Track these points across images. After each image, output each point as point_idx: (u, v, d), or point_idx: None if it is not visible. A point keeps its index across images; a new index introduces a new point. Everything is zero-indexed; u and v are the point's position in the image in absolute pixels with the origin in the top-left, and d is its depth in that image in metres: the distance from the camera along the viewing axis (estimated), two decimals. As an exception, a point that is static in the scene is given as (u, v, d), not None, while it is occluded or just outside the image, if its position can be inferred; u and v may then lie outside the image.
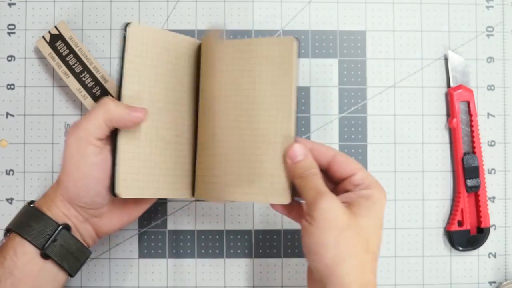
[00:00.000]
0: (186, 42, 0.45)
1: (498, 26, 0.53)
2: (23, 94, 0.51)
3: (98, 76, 0.49)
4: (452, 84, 0.52)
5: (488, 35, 0.53)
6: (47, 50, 0.49)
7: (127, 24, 0.41)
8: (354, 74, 0.53)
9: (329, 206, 0.37)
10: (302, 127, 0.52)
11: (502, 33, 0.53)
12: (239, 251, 0.51)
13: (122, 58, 0.41)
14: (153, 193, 0.42)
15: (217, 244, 0.51)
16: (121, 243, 0.51)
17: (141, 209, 0.45)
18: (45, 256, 0.39)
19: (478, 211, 0.51)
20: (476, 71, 0.53)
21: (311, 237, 0.37)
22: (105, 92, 0.49)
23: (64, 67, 0.49)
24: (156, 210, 0.51)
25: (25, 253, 0.39)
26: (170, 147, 0.44)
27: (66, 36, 0.49)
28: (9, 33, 0.52)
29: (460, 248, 0.51)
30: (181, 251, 0.51)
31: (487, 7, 0.53)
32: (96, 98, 0.49)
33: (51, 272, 0.40)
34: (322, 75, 0.52)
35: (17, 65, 0.51)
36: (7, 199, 0.51)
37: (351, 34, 0.53)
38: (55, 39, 0.49)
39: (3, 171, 0.51)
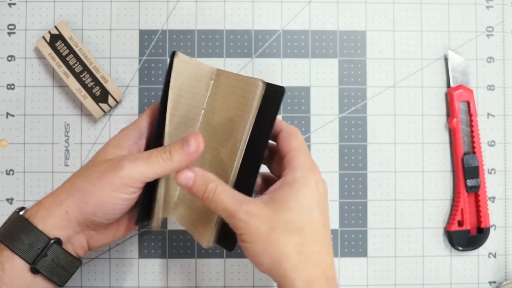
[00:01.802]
0: (206, 71, 0.43)
1: (498, 26, 0.53)
2: (23, 94, 0.51)
3: (98, 76, 0.49)
4: (452, 84, 0.52)
5: (488, 35, 0.53)
6: (47, 50, 0.49)
7: (173, 53, 0.39)
8: (354, 74, 0.53)
9: (247, 218, 0.35)
10: (302, 127, 0.52)
11: (502, 33, 0.53)
12: (239, 251, 0.51)
13: (166, 89, 0.39)
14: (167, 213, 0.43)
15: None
16: (121, 243, 0.51)
17: (135, 226, 0.44)
18: (34, 271, 0.37)
19: (478, 211, 0.51)
20: (476, 71, 0.53)
21: (247, 252, 0.36)
22: (105, 92, 0.49)
23: (64, 67, 0.49)
24: (156, 210, 0.51)
25: (14, 268, 0.37)
26: None
27: (66, 36, 0.49)
28: (9, 33, 0.52)
29: (460, 248, 0.51)
30: (181, 251, 0.51)
31: (487, 7, 0.53)
32: (96, 98, 0.49)
33: (40, 285, 0.38)
34: (322, 75, 0.52)
35: (17, 65, 0.51)
36: (7, 199, 0.51)
37: (351, 34, 0.53)
38: (55, 39, 0.49)
39: (3, 171, 0.51)
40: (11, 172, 0.51)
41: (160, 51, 0.52)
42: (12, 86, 0.51)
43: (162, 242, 0.51)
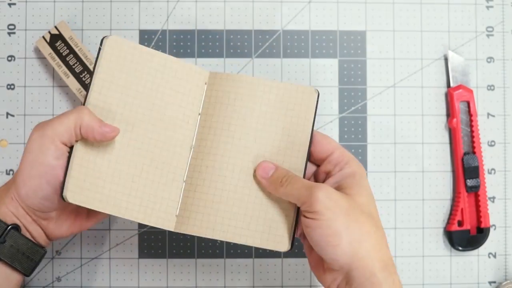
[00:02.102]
0: (181, 66, 0.43)
1: (498, 26, 0.53)
2: (23, 94, 0.51)
3: None
4: (452, 84, 0.52)
5: (488, 35, 0.53)
6: (47, 50, 0.49)
7: (104, 37, 0.40)
8: (354, 74, 0.53)
9: (327, 195, 0.36)
10: (302, 127, 0.52)
11: (502, 33, 0.53)
12: (239, 251, 0.51)
13: (94, 68, 0.40)
14: (104, 207, 0.39)
15: (217, 244, 0.51)
16: (121, 243, 0.51)
17: (92, 222, 0.44)
18: None
19: (478, 211, 0.51)
20: (476, 71, 0.53)
21: (319, 231, 0.36)
22: None
23: (64, 67, 0.49)
24: (156, 210, 0.51)
25: None
26: (150, 171, 0.41)
27: (66, 36, 0.49)
28: (9, 33, 0.52)
29: (460, 248, 0.51)
30: (181, 251, 0.51)
31: (487, 7, 0.53)
32: None
33: (2, 273, 0.39)
34: (322, 75, 0.52)
35: (17, 65, 0.51)
36: (7, 199, 0.51)
37: (351, 34, 0.53)
38: (55, 39, 0.49)
39: (3, 171, 0.51)
40: (11, 172, 0.51)
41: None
42: (12, 86, 0.51)
43: (162, 242, 0.51)
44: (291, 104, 0.42)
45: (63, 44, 0.49)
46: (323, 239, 0.36)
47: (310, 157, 0.42)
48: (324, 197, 0.36)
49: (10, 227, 0.39)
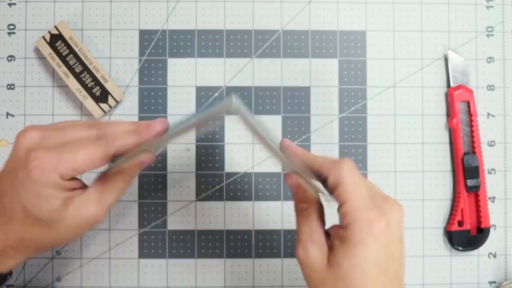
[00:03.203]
0: None
1: (498, 26, 0.53)
2: (23, 94, 0.51)
3: (98, 76, 0.49)
4: (452, 84, 0.52)
5: (488, 35, 0.53)
6: (47, 50, 0.49)
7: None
8: (354, 74, 0.53)
9: (302, 257, 0.35)
10: (302, 127, 0.52)
11: (502, 33, 0.53)
12: (239, 251, 0.51)
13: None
14: None
15: (217, 244, 0.51)
16: (121, 243, 0.51)
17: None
18: None
19: (478, 211, 0.51)
20: (476, 71, 0.53)
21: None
22: (105, 92, 0.49)
23: (64, 67, 0.49)
24: (156, 210, 0.51)
25: None
26: None
27: (66, 36, 0.49)
28: (9, 33, 0.52)
29: (460, 248, 0.51)
30: (181, 251, 0.51)
31: (487, 7, 0.53)
32: (96, 98, 0.49)
33: None
34: (322, 75, 0.52)
35: (17, 65, 0.51)
36: (7, 199, 0.51)
37: (351, 34, 0.53)
38: (55, 39, 0.49)
39: (3, 171, 0.51)
40: (11, 172, 0.51)
41: (160, 51, 0.52)
42: (12, 86, 0.51)
43: (162, 242, 0.51)
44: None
45: (63, 44, 0.49)
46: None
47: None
48: (301, 257, 0.36)
49: None
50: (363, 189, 0.35)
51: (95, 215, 0.36)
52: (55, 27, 0.49)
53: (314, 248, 0.35)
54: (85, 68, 0.49)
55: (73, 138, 0.35)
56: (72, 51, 0.49)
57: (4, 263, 0.37)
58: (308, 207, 0.37)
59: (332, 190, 0.36)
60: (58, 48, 0.49)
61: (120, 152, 0.36)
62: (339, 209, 0.35)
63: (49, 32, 0.49)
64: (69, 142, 0.35)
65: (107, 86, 0.49)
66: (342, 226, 0.35)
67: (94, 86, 0.49)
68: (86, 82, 0.49)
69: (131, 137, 0.36)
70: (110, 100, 0.50)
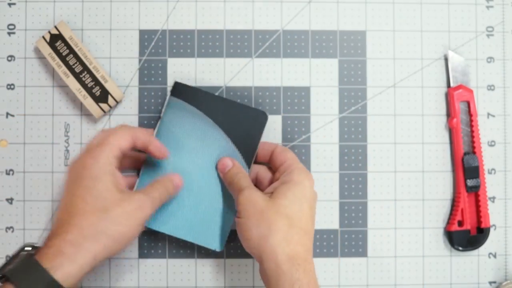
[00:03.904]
0: None
1: (498, 26, 0.53)
2: (23, 94, 0.51)
3: (98, 76, 0.49)
4: (452, 84, 0.52)
5: (488, 35, 0.53)
6: (47, 50, 0.49)
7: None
8: (354, 74, 0.53)
9: (248, 197, 0.43)
10: (302, 127, 0.52)
11: (502, 33, 0.53)
12: (239, 251, 0.51)
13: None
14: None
15: (217, 244, 0.51)
16: (121, 243, 0.51)
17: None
18: None
19: (478, 211, 0.51)
20: (476, 71, 0.53)
21: (239, 228, 0.43)
22: (105, 92, 0.49)
23: (64, 67, 0.49)
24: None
25: None
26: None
27: (66, 36, 0.49)
28: (9, 33, 0.52)
29: (460, 248, 0.51)
30: (181, 251, 0.51)
31: (487, 7, 0.53)
32: (96, 98, 0.49)
33: None
34: (322, 75, 0.52)
35: (17, 65, 0.51)
36: (7, 199, 0.51)
37: (351, 34, 0.53)
38: (55, 39, 0.49)
39: (3, 171, 0.51)
40: (11, 172, 0.51)
41: (160, 51, 0.52)
42: (12, 86, 0.51)
43: (162, 242, 0.51)
44: (245, 122, 0.48)
45: (63, 44, 0.49)
46: (241, 234, 0.43)
47: (272, 167, 0.48)
48: (244, 199, 0.43)
49: None
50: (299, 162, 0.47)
51: (142, 206, 0.42)
52: (55, 27, 0.49)
53: (256, 190, 0.44)
54: (85, 68, 0.49)
55: None
56: (72, 51, 0.49)
57: (65, 267, 0.37)
58: (240, 169, 0.47)
59: (278, 157, 0.46)
60: (58, 48, 0.49)
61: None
62: (279, 167, 0.46)
63: (49, 32, 0.49)
64: None
65: (107, 86, 0.49)
66: (284, 174, 0.44)
67: (94, 86, 0.49)
68: (86, 82, 0.49)
69: None
70: (110, 100, 0.50)
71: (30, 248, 0.40)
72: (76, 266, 0.38)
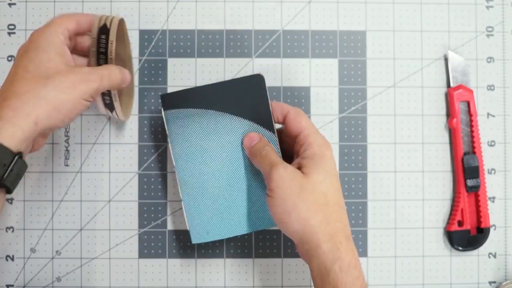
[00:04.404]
0: None
1: (498, 26, 0.53)
2: (23, 94, 0.51)
3: (112, 91, 0.45)
4: (452, 84, 0.52)
5: (488, 35, 0.53)
6: (95, 32, 0.44)
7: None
8: (354, 74, 0.53)
9: (282, 174, 0.41)
10: (302, 127, 0.52)
11: (502, 33, 0.53)
12: (239, 251, 0.51)
13: None
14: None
15: (217, 244, 0.51)
16: (121, 243, 0.51)
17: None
18: (2, 186, 0.38)
19: (478, 211, 0.51)
20: (476, 71, 0.53)
21: (274, 207, 0.41)
22: (111, 106, 0.46)
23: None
24: (156, 210, 0.51)
25: None
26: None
27: (110, 38, 0.44)
28: (9, 33, 0.52)
29: (460, 248, 0.51)
30: (181, 251, 0.51)
31: (487, 7, 0.53)
32: (104, 103, 0.46)
33: (2, 197, 0.40)
34: (322, 75, 0.52)
35: (17, 65, 0.51)
36: (7, 199, 0.51)
37: (351, 34, 0.53)
38: (103, 31, 0.45)
39: (3, 171, 0.51)
40: (11, 172, 0.51)
41: (160, 51, 0.52)
42: (12, 86, 0.51)
43: (162, 242, 0.51)
44: (246, 94, 0.46)
45: (104, 41, 0.44)
46: (276, 216, 0.41)
47: (285, 136, 0.46)
48: (278, 176, 0.41)
49: (18, 156, 0.38)
50: (316, 128, 0.45)
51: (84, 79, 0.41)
52: (110, 20, 0.44)
53: (288, 165, 0.42)
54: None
55: None
56: (105, 52, 0.45)
57: (5, 129, 0.37)
58: (269, 146, 0.45)
59: (292, 124, 0.44)
60: (101, 40, 0.45)
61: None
62: (296, 136, 0.44)
63: (105, 21, 0.44)
64: None
65: (116, 104, 0.46)
66: (305, 148, 0.43)
67: (106, 93, 0.45)
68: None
69: None
70: (114, 114, 0.47)
71: None
72: (18, 129, 0.37)
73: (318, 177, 0.41)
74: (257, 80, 0.46)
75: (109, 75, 0.42)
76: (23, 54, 0.40)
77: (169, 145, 0.47)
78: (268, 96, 0.46)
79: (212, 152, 0.46)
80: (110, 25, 0.43)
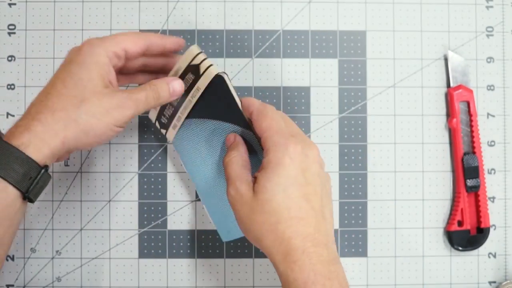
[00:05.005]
0: None
1: (498, 26, 0.53)
2: (23, 94, 0.51)
3: (169, 110, 0.46)
4: (452, 84, 0.52)
5: (488, 35, 0.53)
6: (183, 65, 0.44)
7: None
8: (354, 74, 0.53)
9: (233, 195, 0.39)
10: (302, 127, 0.52)
11: (502, 33, 0.53)
12: (239, 251, 0.51)
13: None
14: None
15: (217, 244, 0.51)
16: (121, 243, 0.51)
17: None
18: (26, 198, 0.38)
19: (478, 211, 0.51)
20: (476, 71, 0.53)
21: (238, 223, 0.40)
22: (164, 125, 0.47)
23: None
24: (156, 210, 0.51)
25: (7, 197, 0.37)
26: None
27: (199, 84, 0.43)
28: (9, 33, 0.52)
29: (460, 248, 0.51)
30: (181, 251, 0.51)
31: (487, 7, 0.53)
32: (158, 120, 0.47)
33: (24, 208, 0.40)
34: (322, 75, 0.52)
35: (17, 65, 0.51)
36: (7, 199, 0.51)
37: (351, 34, 0.53)
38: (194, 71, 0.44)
39: (3, 171, 0.51)
40: (11, 172, 0.51)
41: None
42: (12, 86, 0.51)
43: (162, 242, 0.51)
44: (211, 97, 0.44)
45: (191, 76, 0.44)
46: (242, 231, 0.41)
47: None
48: (230, 197, 0.40)
49: (44, 170, 0.38)
50: (280, 121, 0.41)
51: (119, 104, 0.40)
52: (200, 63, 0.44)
53: (242, 184, 0.39)
54: (177, 106, 0.45)
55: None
56: (191, 88, 0.44)
57: (34, 144, 0.37)
58: (235, 154, 0.42)
59: (255, 125, 0.41)
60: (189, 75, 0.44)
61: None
62: (261, 143, 0.40)
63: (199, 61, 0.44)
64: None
65: (170, 129, 0.46)
66: (263, 158, 0.39)
67: (165, 108, 0.46)
68: (166, 110, 0.46)
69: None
70: (164, 132, 0.47)
71: None
72: (45, 145, 0.37)
73: (267, 196, 0.38)
74: (217, 82, 0.42)
75: (149, 97, 0.41)
76: (66, 66, 0.40)
77: (180, 160, 0.48)
78: (234, 94, 0.43)
79: (209, 157, 0.46)
80: (204, 72, 0.43)
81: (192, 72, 0.43)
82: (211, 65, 0.43)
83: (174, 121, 0.46)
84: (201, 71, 0.43)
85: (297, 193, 0.38)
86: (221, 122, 0.45)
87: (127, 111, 0.39)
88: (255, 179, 0.39)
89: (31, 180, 0.38)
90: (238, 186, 0.39)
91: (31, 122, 0.38)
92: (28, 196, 0.38)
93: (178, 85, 0.43)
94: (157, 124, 0.47)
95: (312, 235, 0.37)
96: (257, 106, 0.42)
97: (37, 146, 0.37)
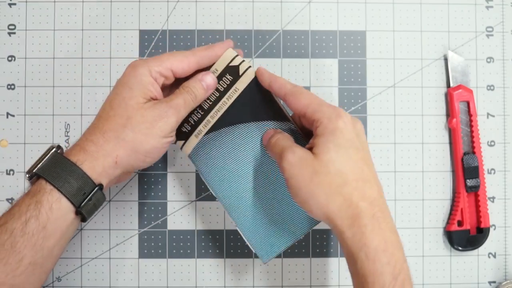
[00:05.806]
0: None
1: (498, 26, 0.53)
2: (23, 94, 0.51)
3: (201, 124, 0.45)
4: (452, 84, 0.52)
5: (488, 35, 0.53)
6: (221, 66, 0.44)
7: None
8: (354, 74, 0.53)
9: (290, 160, 0.39)
10: (302, 127, 0.52)
11: (502, 33, 0.53)
12: (239, 251, 0.51)
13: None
14: None
15: (217, 244, 0.51)
16: (121, 243, 0.51)
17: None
18: (78, 213, 0.39)
19: (478, 211, 0.52)
20: (476, 71, 0.53)
21: (294, 198, 0.39)
22: (187, 135, 0.45)
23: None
24: (156, 210, 0.51)
25: (60, 209, 0.38)
26: None
27: (237, 85, 0.44)
28: (9, 33, 0.52)
29: (460, 248, 0.51)
30: (181, 251, 0.51)
31: (487, 7, 0.53)
32: (180, 132, 0.45)
33: (76, 224, 0.41)
34: (322, 75, 0.52)
35: (17, 65, 0.51)
36: (7, 199, 0.51)
37: (351, 34, 0.53)
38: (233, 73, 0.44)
39: (3, 171, 0.51)
40: (11, 172, 0.51)
41: (160, 51, 0.52)
42: (12, 86, 0.51)
43: (162, 242, 0.51)
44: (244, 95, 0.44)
45: (227, 79, 0.44)
46: (298, 203, 0.39)
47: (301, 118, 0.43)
48: (287, 164, 0.39)
49: (98, 187, 0.40)
50: (317, 96, 0.41)
51: (162, 114, 0.41)
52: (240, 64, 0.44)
53: (299, 148, 0.39)
54: (208, 109, 0.44)
55: None
56: (223, 93, 0.44)
57: (88, 162, 0.39)
58: (279, 134, 0.42)
59: (293, 104, 0.41)
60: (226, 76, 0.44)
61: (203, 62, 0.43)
62: (303, 117, 0.41)
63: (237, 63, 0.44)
64: None
65: (192, 138, 0.45)
66: (315, 126, 0.39)
67: (191, 114, 0.45)
68: (192, 115, 0.45)
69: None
70: (179, 143, 0.45)
71: (56, 148, 0.41)
72: (99, 164, 0.39)
73: (330, 156, 0.37)
74: (258, 82, 0.43)
75: (187, 100, 0.42)
76: (113, 89, 0.41)
77: (204, 180, 0.45)
78: (269, 92, 0.43)
79: (240, 168, 0.44)
80: (244, 73, 0.43)
81: (230, 73, 0.44)
82: (250, 66, 0.44)
83: (200, 126, 0.44)
84: (241, 72, 0.43)
85: (357, 156, 0.39)
86: (256, 123, 0.44)
87: (170, 119, 0.40)
88: (310, 149, 0.39)
89: (85, 196, 0.39)
90: (296, 151, 0.39)
91: (85, 142, 0.40)
92: (81, 211, 0.39)
93: (210, 79, 0.43)
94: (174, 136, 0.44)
95: (378, 200, 0.38)
96: (289, 87, 0.42)
97: (91, 164, 0.39)
